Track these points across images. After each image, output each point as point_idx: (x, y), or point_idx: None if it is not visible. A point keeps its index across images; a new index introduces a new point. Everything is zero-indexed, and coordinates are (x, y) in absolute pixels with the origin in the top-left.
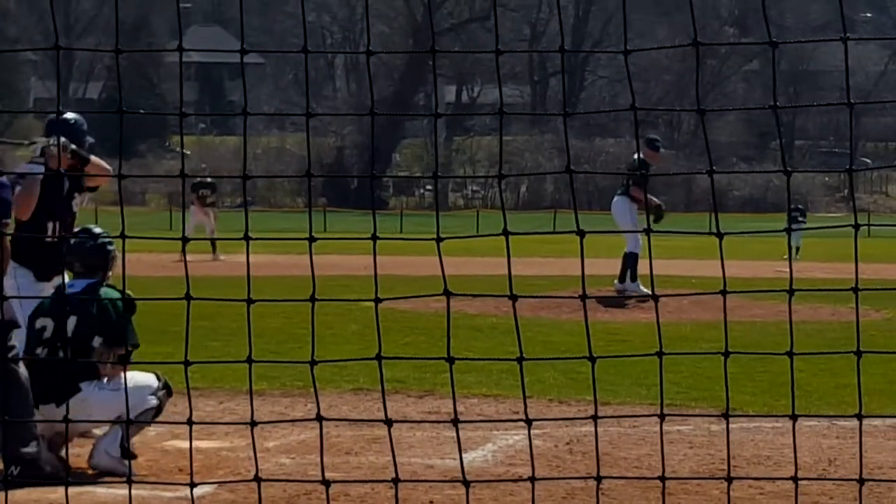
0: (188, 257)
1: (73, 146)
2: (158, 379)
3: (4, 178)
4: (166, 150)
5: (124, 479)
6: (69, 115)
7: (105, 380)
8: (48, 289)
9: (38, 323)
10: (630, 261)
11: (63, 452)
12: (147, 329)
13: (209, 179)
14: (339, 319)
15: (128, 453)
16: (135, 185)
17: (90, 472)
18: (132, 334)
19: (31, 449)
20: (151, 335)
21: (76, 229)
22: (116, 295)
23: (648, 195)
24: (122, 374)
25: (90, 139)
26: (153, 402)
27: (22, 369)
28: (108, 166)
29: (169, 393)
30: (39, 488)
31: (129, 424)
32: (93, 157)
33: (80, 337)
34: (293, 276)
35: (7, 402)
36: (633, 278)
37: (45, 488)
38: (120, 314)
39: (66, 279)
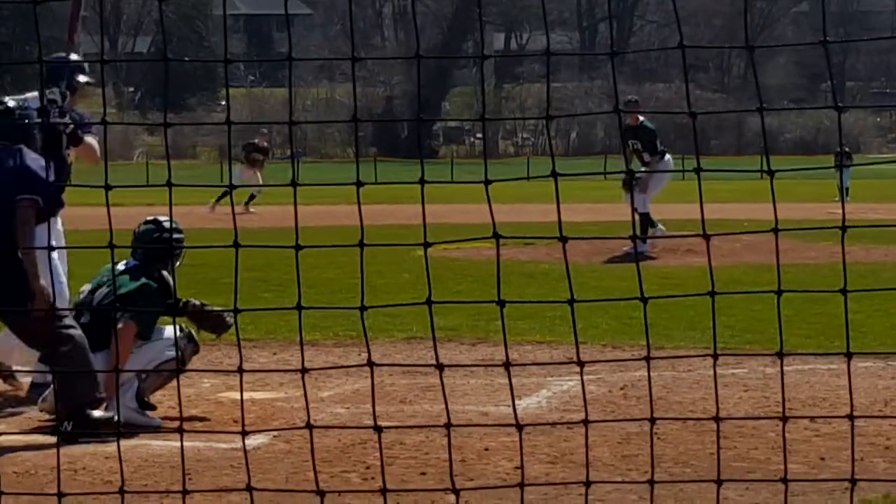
0: (222, 208)
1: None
2: (182, 330)
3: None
4: (216, 102)
5: (149, 429)
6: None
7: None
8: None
9: (83, 287)
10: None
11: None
12: (199, 281)
13: (265, 144)
14: (392, 268)
15: (146, 404)
16: (185, 138)
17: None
18: (147, 326)
19: (89, 402)
20: (203, 287)
21: (149, 217)
22: (153, 284)
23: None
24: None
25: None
26: (171, 353)
27: (75, 329)
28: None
29: (193, 344)
30: (94, 442)
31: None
32: (87, 139)
33: (103, 306)
34: (344, 226)
35: (68, 359)
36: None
37: (99, 442)
38: (150, 303)
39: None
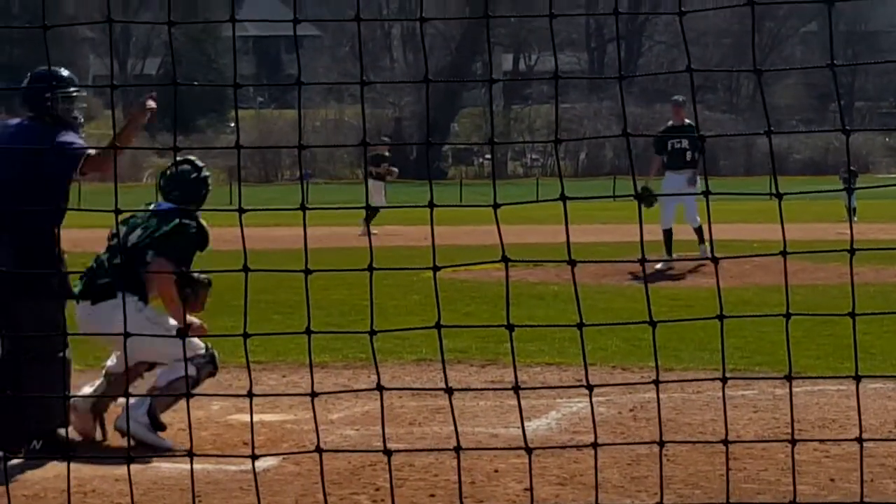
0: (373, 227)
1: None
2: (206, 349)
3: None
4: (225, 124)
5: (159, 450)
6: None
7: (149, 306)
8: None
9: (120, 229)
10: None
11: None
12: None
13: (386, 153)
14: (402, 290)
15: (158, 423)
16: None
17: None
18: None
19: (55, 425)
20: (212, 307)
21: (180, 158)
22: (193, 224)
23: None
24: (173, 322)
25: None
26: (189, 370)
27: (67, 359)
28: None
29: (213, 366)
30: (104, 465)
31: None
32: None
33: (137, 248)
34: (354, 248)
35: (53, 380)
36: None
37: (109, 464)
38: (188, 242)
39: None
